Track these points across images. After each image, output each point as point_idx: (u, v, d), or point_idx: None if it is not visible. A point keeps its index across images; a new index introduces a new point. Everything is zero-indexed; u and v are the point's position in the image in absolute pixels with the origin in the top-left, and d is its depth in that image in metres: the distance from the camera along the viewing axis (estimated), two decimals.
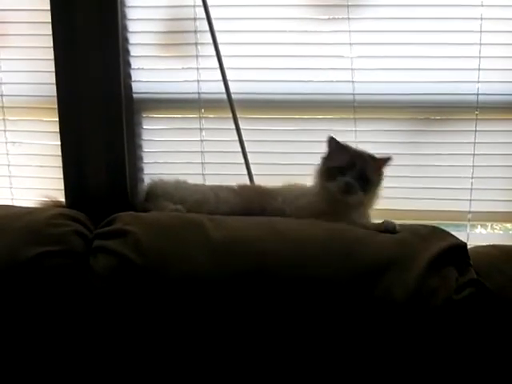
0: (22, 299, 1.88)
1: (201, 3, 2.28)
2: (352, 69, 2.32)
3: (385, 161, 2.08)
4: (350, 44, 2.31)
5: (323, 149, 2.12)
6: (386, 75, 2.33)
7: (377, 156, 2.09)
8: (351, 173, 2.04)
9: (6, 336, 1.88)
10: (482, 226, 2.48)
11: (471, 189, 2.36)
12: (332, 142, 2.10)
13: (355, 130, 2.35)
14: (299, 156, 2.39)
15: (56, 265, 1.91)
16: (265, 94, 2.38)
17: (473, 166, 2.35)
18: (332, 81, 2.35)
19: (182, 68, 2.39)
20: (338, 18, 2.31)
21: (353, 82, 2.33)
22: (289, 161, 2.40)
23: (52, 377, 1.89)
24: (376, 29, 2.30)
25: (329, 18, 2.34)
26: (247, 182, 2.37)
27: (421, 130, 2.39)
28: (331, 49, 2.34)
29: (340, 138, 2.19)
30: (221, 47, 2.32)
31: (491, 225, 2.52)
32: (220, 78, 2.31)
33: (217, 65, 2.31)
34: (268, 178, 2.33)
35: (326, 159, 2.11)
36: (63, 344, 1.89)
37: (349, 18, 2.29)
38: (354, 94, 2.33)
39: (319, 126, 2.39)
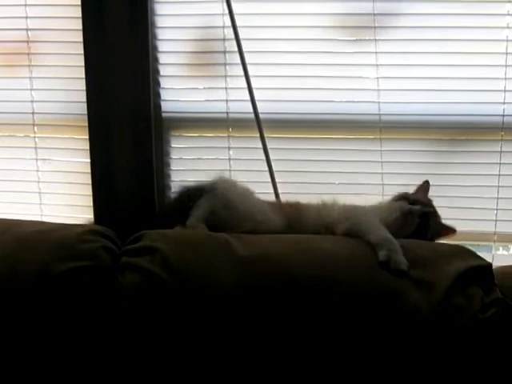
0: (53, 312, 1.90)
1: (229, 24, 2.31)
2: (378, 89, 2.34)
3: (449, 231, 2.11)
4: (377, 65, 2.33)
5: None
6: (412, 96, 2.35)
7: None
8: (419, 208, 2.08)
9: (34, 348, 1.90)
10: (503, 247, 2.47)
11: (496, 209, 2.37)
12: (425, 184, 2.18)
13: (381, 150, 2.37)
14: (324, 175, 2.41)
15: (86, 280, 1.92)
16: (291, 114, 2.41)
17: (498, 186, 2.35)
18: (358, 101, 2.37)
19: (211, 88, 2.43)
20: (365, 40, 2.34)
21: (378, 102, 2.35)
22: (314, 180, 2.42)
23: None
24: (402, 50, 2.33)
25: (356, 40, 2.37)
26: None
27: (446, 150, 2.40)
28: (357, 70, 2.36)
29: (366, 158, 2.25)
30: (248, 67, 2.35)
31: None
32: (248, 97, 2.34)
33: (245, 85, 2.33)
34: (293, 196, 2.33)
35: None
36: (91, 357, 1.90)
37: (375, 40, 2.32)
38: (379, 115, 2.35)
39: (345, 145, 2.41)
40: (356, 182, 2.38)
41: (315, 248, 1.95)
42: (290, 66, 2.37)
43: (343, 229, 2.02)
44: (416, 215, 2.07)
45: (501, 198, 2.36)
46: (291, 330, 1.84)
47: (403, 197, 2.15)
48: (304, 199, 2.22)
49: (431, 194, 2.19)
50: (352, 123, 2.39)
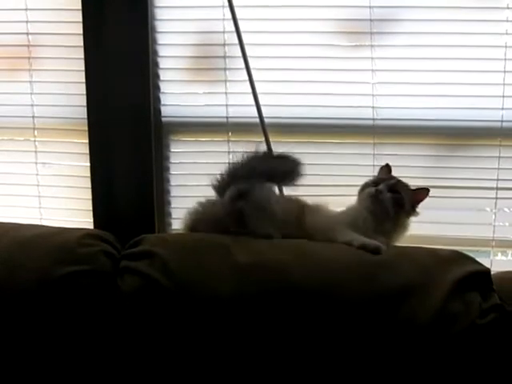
0: (52, 316, 1.91)
1: (230, 29, 2.31)
2: (373, 95, 2.35)
3: (424, 192, 2.12)
4: (372, 70, 2.34)
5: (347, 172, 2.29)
6: (409, 101, 2.35)
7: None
8: (384, 184, 2.10)
9: (33, 351, 1.91)
10: (502, 253, 2.47)
11: (495, 215, 2.37)
12: (385, 167, 2.19)
13: (373, 154, 2.38)
14: (319, 179, 2.40)
15: (86, 284, 1.94)
16: (288, 119, 2.41)
17: (496, 190, 2.35)
18: (354, 106, 2.37)
19: (211, 92, 2.43)
20: (362, 45, 2.34)
21: (373, 107, 2.36)
22: (308, 183, 2.40)
23: None
24: (399, 56, 2.33)
25: (353, 45, 2.37)
26: None
27: (444, 155, 2.40)
28: (354, 75, 2.36)
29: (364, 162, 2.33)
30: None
31: None
32: (248, 102, 2.34)
33: (245, 90, 2.33)
34: None
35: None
36: (90, 361, 1.92)
37: (372, 45, 2.33)
38: (374, 119, 2.36)
39: (340, 149, 2.41)
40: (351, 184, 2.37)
41: (314, 254, 1.96)
42: (286, 71, 2.37)
43: (319, 239, 2.05)
44: (385, 191, 2.08)
45: (499, 202, 2.36)
46: (290, 337, 1.85)
47: (365, 185, 2.16)
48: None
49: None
50: (348, 128, 2.39)
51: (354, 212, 2.13)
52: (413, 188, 2.13)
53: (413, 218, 2.13)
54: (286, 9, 2.35)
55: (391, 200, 2.08)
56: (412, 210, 2.11)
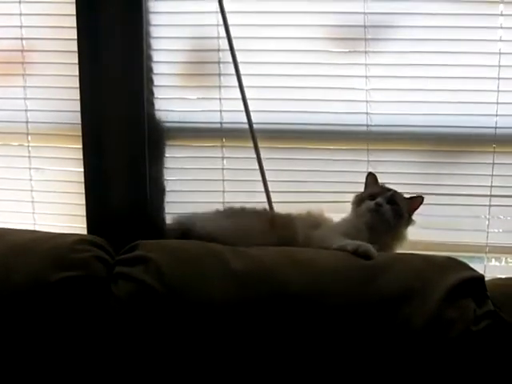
0: (45, 322, 1.90)
1: (224, 35, 2.31)
2: (367, 101, 2.35)
3: (418, 200, 2.15)
4: (366, 77, 2.34)
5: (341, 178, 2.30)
6: (403, 108, 2.35)
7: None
8: (382, 197, 2.12)
9: (26, 357, 1.90)
10: (496, 259, 2.47)
11: (488, 221, 2.37)
12: (370, 177, 2.21)
13: (368, 160, 2.38)
14: (313, 185, 2.41)
15: (79, 289, 1.93)
16: (283, 125, 2.41)
17: (490, 197, 2.35)
18: (348, 112, 2.37)
19: (205, 98, 2.43)
20: (356, 51, 2.35)
21: (367, 113, 2.36)
22: (303, 189, 2.42)
23: None
24: (393, 62, 2.33)
25: (347, 51, 2.37)
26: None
27: (438, 161, 2.40)
28: (348, 81, 2.36)
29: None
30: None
31: (505, 258, 2.50)
32: (242, 108, 2.34)
33: (239, 95, 2.33)
34: (282, 206, 2.37)
35: (362, 192, 2.21)
36: (84, 367, 1.91)
37: (366, 52, 2.33)
38: (367, 126, 2.36)
39: (334, 156, 2.41)
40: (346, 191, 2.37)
41: (309, 260, 1.97)
42: (280, 77, 2.37)
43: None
44: (384, 203, 2.11)
45: (493, 209, 2.37)
46: (286, 342, 1.85)
47: (360, 199, 2.18)
48: (295, 208, 2.27)
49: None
50: (343, 134, 2.39)
51: (348, 223, 2.15)
52: (407, 197, 2.14)
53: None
54: (280, 15, 2.35)
55: (391, 212, 2.09)
56: (409, 219, 2.13)
